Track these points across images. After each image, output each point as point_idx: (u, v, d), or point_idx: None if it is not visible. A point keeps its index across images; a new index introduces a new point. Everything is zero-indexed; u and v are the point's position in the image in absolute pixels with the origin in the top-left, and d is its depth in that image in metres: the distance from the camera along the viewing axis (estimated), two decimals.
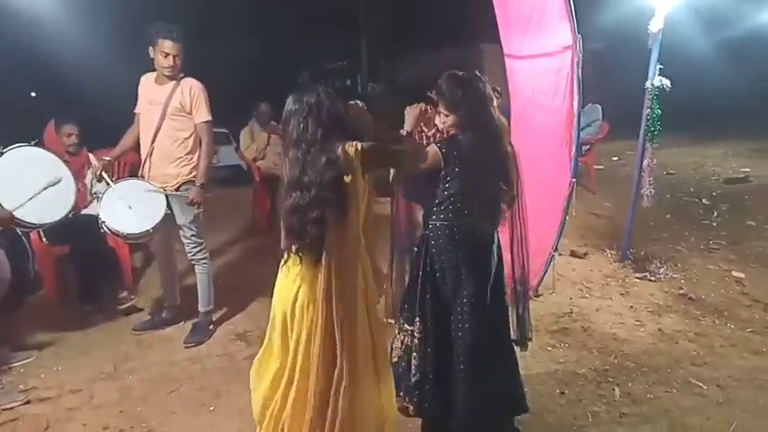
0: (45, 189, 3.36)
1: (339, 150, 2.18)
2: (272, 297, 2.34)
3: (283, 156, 2.32)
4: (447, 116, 2.56)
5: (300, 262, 2.20)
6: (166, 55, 3.52)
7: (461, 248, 2.53)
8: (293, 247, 2.19)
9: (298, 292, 2.23)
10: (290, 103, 2.24)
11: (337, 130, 2.22)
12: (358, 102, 2.56)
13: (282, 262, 2.28)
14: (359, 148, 2.21)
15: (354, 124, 2.22)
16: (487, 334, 2.57)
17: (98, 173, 3.60)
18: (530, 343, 2.88)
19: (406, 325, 2.61)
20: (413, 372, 2.56)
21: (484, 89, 2.53)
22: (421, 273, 2.58)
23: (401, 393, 2.59)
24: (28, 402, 3.12)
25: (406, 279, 2.80)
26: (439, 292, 2.56)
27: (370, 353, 2.29)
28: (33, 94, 9.94)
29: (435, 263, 2.56)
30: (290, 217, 2.18)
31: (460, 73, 2.57)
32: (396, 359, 2.62)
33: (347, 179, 2.18)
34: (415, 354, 2.57)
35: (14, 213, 3.22)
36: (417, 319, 2.57)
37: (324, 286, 2.18)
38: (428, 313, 2.56)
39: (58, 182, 3.43)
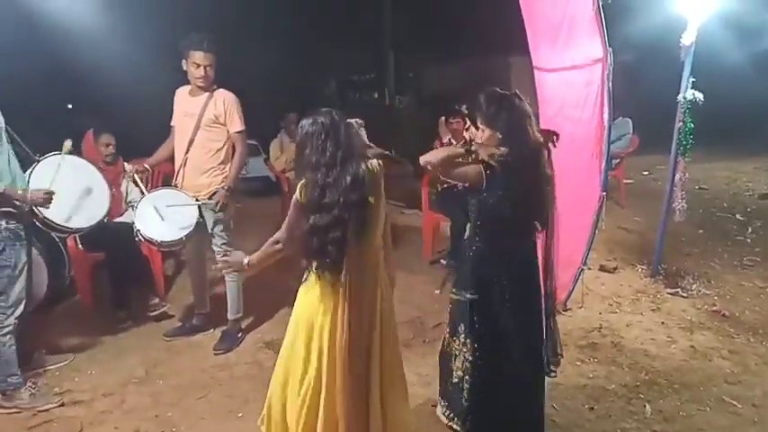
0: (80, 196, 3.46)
1: (363, 169, 2.21)
2: None
3: (297, 179, 2.33)
4: (484, 131, 2.57)
5: (319, 279, 2.24)
6: (198, 66, 3.59)
7: (507, 271, 2.57)
8: (314, 267, 2.23)
9: (318, 311, 2.28)
10: (305, 126, 2.26)
11: (356, 151, 2.26)
12: (357, 120, 2.59)
13: (303, 279, 2.34)
14: (381, 164, 2.26)
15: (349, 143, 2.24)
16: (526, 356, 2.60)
17: (132, 175, 3.70)
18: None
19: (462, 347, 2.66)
20: (465, 397, 2.64)
21: (522, 106, 2.54)
22: (471, 296, 2.60)
23: (451, 413, 2.69)
24: (62, 405, 3.20)
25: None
26: (488, 315, 2.59)
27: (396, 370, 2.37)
28: (70, 106, 10.18)
29: (482, 286, 2.58)
30: (309, 238, 2.21)
31: (499, 90, 2.59)
32: (456, 380, 2.68)
33: (371, 199, 2.21)
34: (467, 377, 2.63)
35: (55, 220, 3.31)
36: (469, 341, 2.62)
37: (344, 306, 2.22)
38: (481, 337, 2.60)
39: (92, 189, 3.54)
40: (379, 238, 2.34)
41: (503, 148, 2.47)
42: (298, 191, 2.26)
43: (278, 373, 2.44)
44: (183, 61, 3.63)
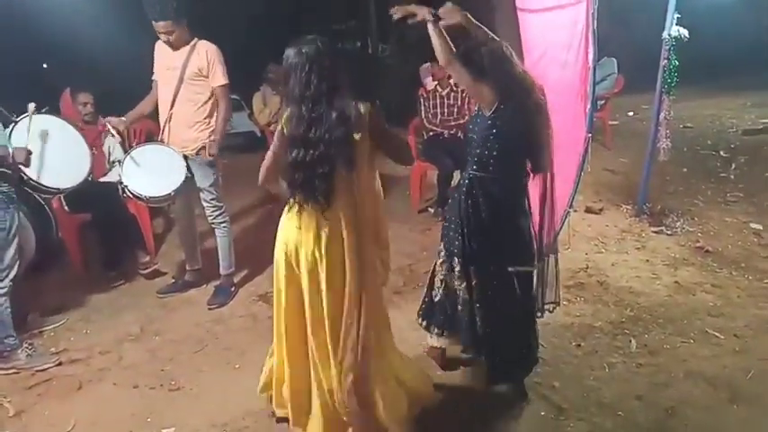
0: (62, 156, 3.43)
1: (352, 107, 2.18)
2: None
3: (282, 110, 2.32)
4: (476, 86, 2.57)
5: (302, 211, 2.26)
6: (160, 33, 3.51)
7: (496, 202, 2.61)
8: (298, 198, 2.24)
9: (301, 238, 2.29)
10: (289, 57, 2.21)
11: (343, 85, 2.20)
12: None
13: (286, 210, 2.36)
14: (372, 111, 2.22)
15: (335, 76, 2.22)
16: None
17: (110, 130, 3.66)
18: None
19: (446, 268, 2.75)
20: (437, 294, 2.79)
21: (497, 52, 2.53)
22: (466, 222, 2.63)
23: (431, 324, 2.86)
24: (60, 364, 3.24)
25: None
26: (480, 246, 2.64)
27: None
28: (45, 66, 9.88)
29: (476, 215, 2.61)
30: (293, 172, 2.21)
31: (469, 44, 2.60)
32: (440, 297, 2.80)
33: (356, 136, 2.19)
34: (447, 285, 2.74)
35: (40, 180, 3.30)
36: (470, 271, 2.67)
37: (330, 236, 2.24)
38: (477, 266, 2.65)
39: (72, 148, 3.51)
40: (370, 172, 2.35)
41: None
42: (282, 121, 2.25)
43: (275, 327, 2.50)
44: None
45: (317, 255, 2.27)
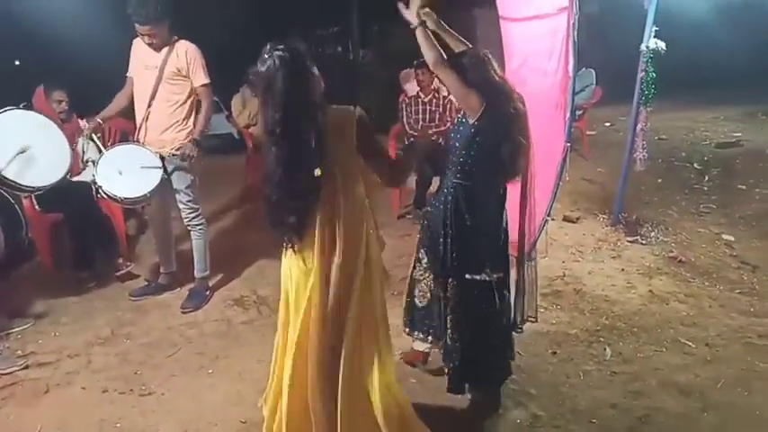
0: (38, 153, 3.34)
1: (321, 117, 2.00)
2: (268, 262, 2.36)
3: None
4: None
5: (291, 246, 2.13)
6: (142, 35, 3.46)
7: (478, 210, 2.60)
8: (280, 235, 2.12)
9: (293, 268, 2.18)
10: (254, 80, 2.03)
11: (303, 109, 1.97)
12: None
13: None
14: (357, 115, 2.07)
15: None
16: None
17: (87, 134, 3.59)
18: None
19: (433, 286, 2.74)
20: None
21: (476, 61, 2.55)
22: (446, 230, 2.61)
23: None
24: (27, 367, 3.15)
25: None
26: (460, 253, 2.62)
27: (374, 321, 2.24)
28: (17, 63, 9.68)
29: (458, 222, 2.60)
30: (269, 211, 2.10)
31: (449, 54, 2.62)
32: (425, 303, 2.79)
33: (318, 172, 1.99)
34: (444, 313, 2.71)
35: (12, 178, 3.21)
36: (447, 281, 2.66)
37: (321, 258, 2.09)
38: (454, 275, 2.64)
39: (50, 146, 3.41)
40: (356, 190, 2.16)
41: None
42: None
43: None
44: None
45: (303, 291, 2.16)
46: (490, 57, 2.59)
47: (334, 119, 2.07)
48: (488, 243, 2.65)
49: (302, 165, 1.99)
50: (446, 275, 2.65)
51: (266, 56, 1.98)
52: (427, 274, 2.77)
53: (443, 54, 2.53)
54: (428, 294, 2.79)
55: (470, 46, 2.73)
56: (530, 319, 2.88)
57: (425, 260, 2.77)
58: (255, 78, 2.01)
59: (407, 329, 2.94)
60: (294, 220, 2.06)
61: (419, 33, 2.53)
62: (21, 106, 3.38)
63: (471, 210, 2.59)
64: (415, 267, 2.85)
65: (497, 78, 2.56)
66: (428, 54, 2.52)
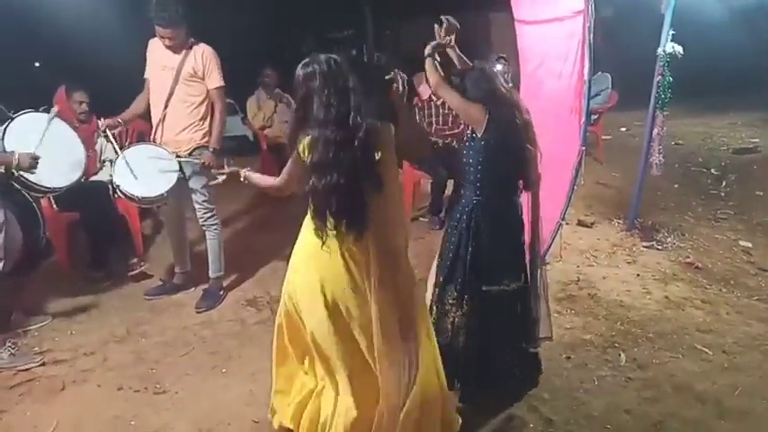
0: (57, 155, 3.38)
1: (376, 126, 2.15)
2: (281, 262, 2.37)
3: (292, 132, 2.25)
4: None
5: (340, 239, 2.14)
6: (162, 38, 3.50)
7: (500, 226, 2.64)
8: (334, 226, 2.12)
9: (348, 271, 2.18)
10: (302, 77, 2.12)
11: (362, 104, 2.12)
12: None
13: (321, 244, 2.17)
14: (391, 127, 2.21)
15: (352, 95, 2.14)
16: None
17: (103, 129, 3.63)
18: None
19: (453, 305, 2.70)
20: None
21: (483, 74, 2.64)
22: (466, 250, 2.63)
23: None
24: (43, 364, 3.19)
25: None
26: (480, 269, 2.64)
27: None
28: (37, 65, 9.80)
29: (477, 240, 2.61)
30: (325, 198, 2.10)
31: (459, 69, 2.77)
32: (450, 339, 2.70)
33: (378, 156, 2.13)
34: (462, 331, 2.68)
35: (31, 179, 3.26)
36: (465, 298, 2.65)
37: (372, 263, 2.16)
38: (473, 292, 2.64)
39: (68, 149, 3.45)
40: (398, 192, 2.32)
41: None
42: (301, 147, 2.15)
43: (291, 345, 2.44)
44: None
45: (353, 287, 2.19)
46: (494, 71, 2.70)
47: (375, 130, 2.17)
48: (509, 254, 2.67)
49: (369, 147, 2.11)
50: (463, 294, 2.66)
51: (320, 63, 2.12)
52: (455, 306, 2.69)
53: (442, 74, 2.68)
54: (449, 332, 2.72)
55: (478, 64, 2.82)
56: (547, 339, 2.86)
57: (453, 291, 2.70)
58: (314, 81, 2.10)
59: None
60: (359, 208, 2.12)
61: (428, 62, 2.72)
62: (41, 110, 3.42)
63: (491, 225, 2.62)
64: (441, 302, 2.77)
65: (503, 90, 2.62)
66: (431, 78, 2.70)
